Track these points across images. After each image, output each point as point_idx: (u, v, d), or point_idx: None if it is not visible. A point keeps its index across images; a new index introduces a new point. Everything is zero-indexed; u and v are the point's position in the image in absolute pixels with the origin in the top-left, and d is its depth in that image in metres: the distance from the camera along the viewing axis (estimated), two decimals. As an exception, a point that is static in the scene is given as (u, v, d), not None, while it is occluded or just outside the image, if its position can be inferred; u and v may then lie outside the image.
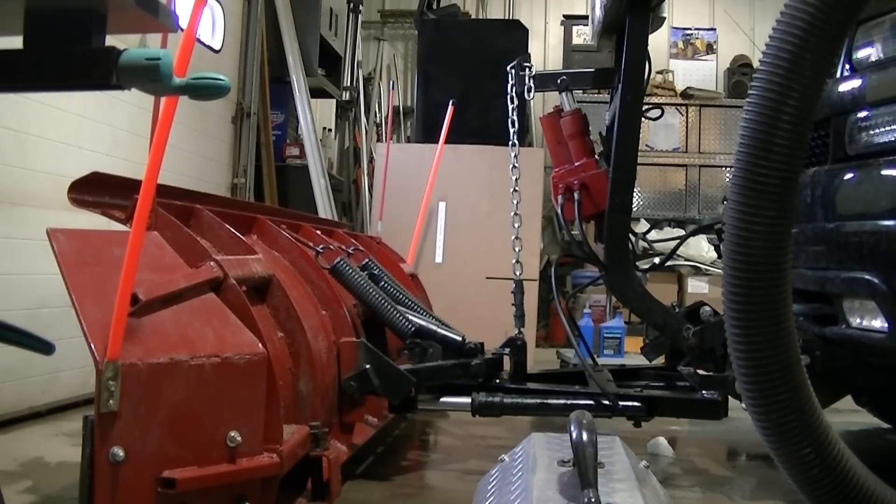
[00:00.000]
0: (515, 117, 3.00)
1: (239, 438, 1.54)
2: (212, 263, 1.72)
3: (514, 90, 2.95)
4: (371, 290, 2.50)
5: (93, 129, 3.50)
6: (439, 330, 2.58)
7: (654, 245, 3.14)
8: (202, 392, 1.52)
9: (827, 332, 2.27)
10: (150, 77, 1.26)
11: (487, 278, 4.57)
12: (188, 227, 1.85)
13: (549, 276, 2.96)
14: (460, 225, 4.78)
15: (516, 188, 2.96)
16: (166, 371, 1.47)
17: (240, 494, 1.57)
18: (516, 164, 2.97)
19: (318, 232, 2.84)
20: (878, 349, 2.12)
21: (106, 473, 1.38)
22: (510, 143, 2.99)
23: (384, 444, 2.93)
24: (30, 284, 3.06)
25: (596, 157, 2.79)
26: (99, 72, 1.29)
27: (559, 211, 2.75)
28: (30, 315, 3.01)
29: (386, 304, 2.51)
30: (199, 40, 4.30)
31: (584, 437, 1.41)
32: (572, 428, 1.44)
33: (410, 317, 2.55)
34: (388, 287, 2.70)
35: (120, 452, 1.39)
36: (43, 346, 1.48)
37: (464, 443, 3.06)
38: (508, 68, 2.96)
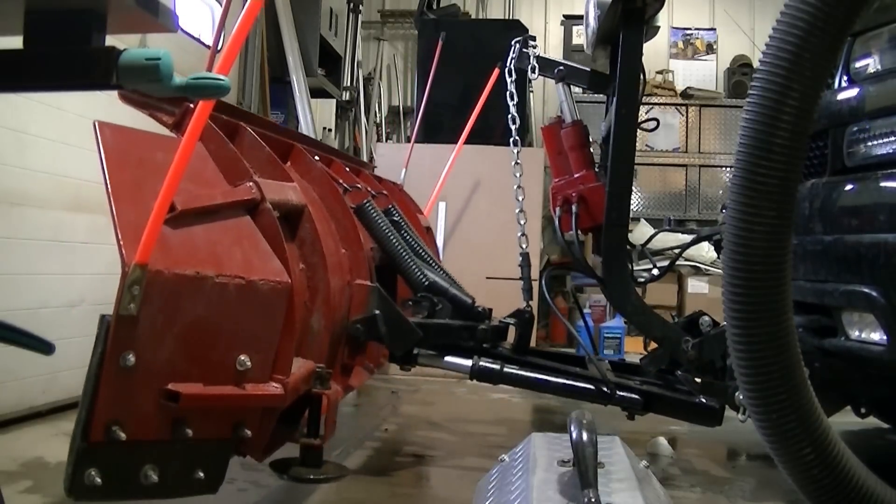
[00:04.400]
0: (514, 90, 2.99)
1: (248, 363, 1.52)
2: (251, 184, 1.69)
3: (513, 63, 2.95)
4: (392, 237, 2.47)
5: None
6: (451, 288, 2.55)
7: (654, 255, 3.14)
8: (221, 311, 1.49)
9: (826, 344, 2.27)
10: (150, 77, 1.26)
11: (487, 278, 4.57)
12: (232, 144, 1.81)
13: (544, 279, 2.97)
14: (460, 225, 4.78)
15: (518, 161, 2.96)
16: (190, 284, 1.44)
17: (239, 420, 1.55)
18: (516, 138, 2.97)
19: (347, 170, 2.80)
20: (877, 362, 2.11)
21: (114, 376, 1.36)
22: (509, 116, 2.99)
23: (383, 442, 2.93)
24: (30, 284, 3.06)
25: (596, 169, 2.78)
26: (99, 72, 1.28)
27: (557, 223, 2.75)
28: (30, 315, 3.00)
29: (405, 253, 2.49)
30: (199, 40, 4.30)
31: (585, 436, 1.41)
32: (572, 428, 1.45)
33: (426, 271, 2.52)
34: (408, 237, 2.67)
35: (131, 358, 1.36)
36: (43, 346, 1.48)
37: (463, 442, 3.06)
38: (513, 41, 2.96)
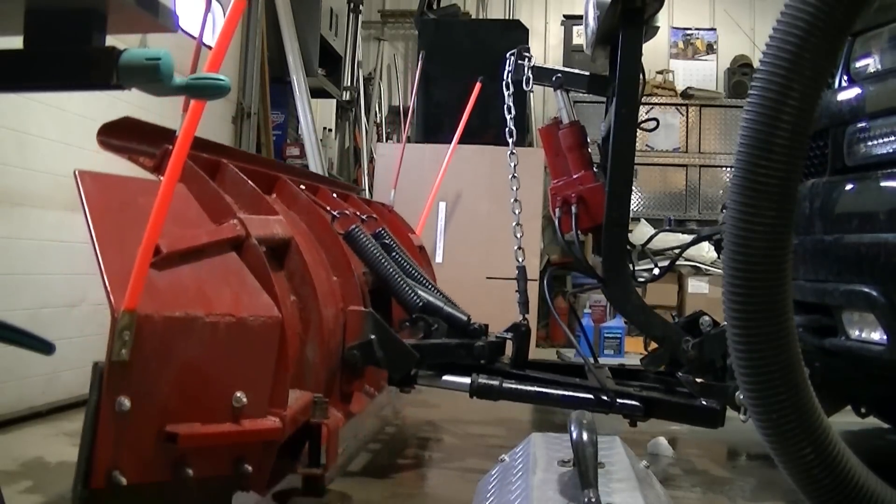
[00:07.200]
0: (511, 103, 2.99)
1: (245, 400, 1.53)
2: (235, 221, 1.70)
3: (510, 77, 2.95)
4: (383, 260, 2.48)
5: (93, 129, 3.47)
6: (445, 307, 2.56)
7: (654, 255, 3.13)
8: (214, 350, 1.50)
9: (826, 343, 2.26)
10: (150, 77, 1.26)
11: (488, 278, 4.57)
12: (213, 182, 1.82)
13: (545, 280, 2.96)
14: (460, 225, 4.78)
15: (515, 175, 2.96)
16: (181, 326, 1.45)
17: (239, 456, 1.55)
18: (513, 151, 2.97)
19: (335, 196, 2.81)
20: (877, 361, 2.11)
21: (110, 422, 1.36)
22: (506, 129, 2.98)
23: (384, 443, 2.93)
24: (30, 285, 3.06)
25: (594, 169, 2.78)
26: (99, 72, 1.28)
27: (557, 224, 2.74)
28: (30, 315, 3.00)
29: (396, 275, 2.49)
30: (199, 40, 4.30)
31: (585, 436, 1.41)
32: (572, 428, 1.45)
33: (419, 291, 2.53)
34: (399, 258, 2.68)
35: (126, 402, 1.37)
36: (43, 346, 1.48)
37: (464, 442, 3.06)
38: (508, 55, 2.96)
